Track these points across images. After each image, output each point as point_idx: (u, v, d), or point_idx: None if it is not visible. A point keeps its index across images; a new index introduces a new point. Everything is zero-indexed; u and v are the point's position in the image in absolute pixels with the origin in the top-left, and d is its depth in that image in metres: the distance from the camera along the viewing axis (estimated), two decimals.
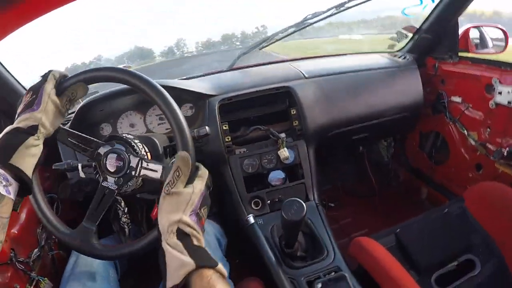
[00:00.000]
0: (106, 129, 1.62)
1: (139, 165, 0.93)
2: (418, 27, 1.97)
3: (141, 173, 0.93)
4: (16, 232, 1.23)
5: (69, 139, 0.97)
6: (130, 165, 0.94)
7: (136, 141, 1.01)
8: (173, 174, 0.76)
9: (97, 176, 0.98)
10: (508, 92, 1.57)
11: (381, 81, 1.86)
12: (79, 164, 1.10)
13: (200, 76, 1.96)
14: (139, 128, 1.65)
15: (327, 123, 1.72)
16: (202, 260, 0.69)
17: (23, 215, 1.31)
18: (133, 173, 0.93)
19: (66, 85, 0.89)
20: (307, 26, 1.77)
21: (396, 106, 1.88)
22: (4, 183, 0.73)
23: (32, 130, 0.81)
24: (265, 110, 1.73)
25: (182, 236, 0.72)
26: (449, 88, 1.95)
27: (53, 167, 1.06)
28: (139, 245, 0.91)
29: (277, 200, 1.58)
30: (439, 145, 2.15)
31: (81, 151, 0.98)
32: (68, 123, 1.50)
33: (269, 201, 1.58)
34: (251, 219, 1.46)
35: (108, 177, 0.95)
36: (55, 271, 1.44)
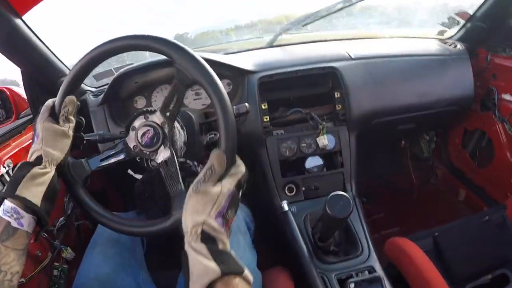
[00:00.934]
0: (140, 102, 1.59)
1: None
2: (472, 13, 1.81)
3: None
4: None
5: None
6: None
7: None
8: (205, 172, 0.73)
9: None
10: None
11: (432, 69, 1.74)
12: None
13: (237, 52, 1.89)
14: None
15: (373, 109, 1.62)
16: (228, 267, 0.65)
17: None
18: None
19: (57, 107, 0.91)
20: (355, 3, 1.67)
21: (446, 98, 1.75)
22: (15, 216, 0.76)
23: (37, 161, 0.84)
24: (307, 91, 1.65)
25: (207, 239, 0.68)
26: (500, 84, 1.79)
27: (84, 138, 1.01)
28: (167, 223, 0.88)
29: (313, 188, 1.51)
30: (483, 146, 2.01)
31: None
32: (101, 94, 1.50)
33: (304, 188, 1.52)
34: (285, 206, 1.40)
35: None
36: (80, 241, 1.44)
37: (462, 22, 1.90)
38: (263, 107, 1.53)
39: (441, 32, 2.03)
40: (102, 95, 1.49)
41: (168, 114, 0.91)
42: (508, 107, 1.75)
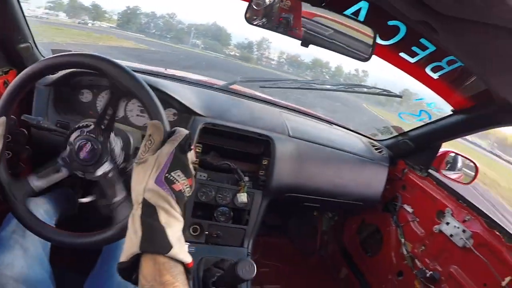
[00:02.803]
0: (86, 96, 1.61)
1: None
2: (405, 130, 2.09)
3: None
4: None
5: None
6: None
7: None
8: (145, 143, 0.75)
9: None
10: (455, 226, 1.69)
11: (352, 167, 1.94)
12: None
13: (195, 83, 1.97)
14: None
15: (290, 185, 1.77)
16: (150, 245, 0.65)
17: None
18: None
19: None
20: (311, 89, 1.83)
21: (355, 194, 1.97)
22: None
23: None
24: (241, 146, 1.75)
25: (147, 208, 0.68)
26: (406, 195, 2.06)
27: (21, 118, 1.04)
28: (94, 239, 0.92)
29: (215, 235, 1.61)
30: (374, 238, 2.27)
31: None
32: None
33: (207, 232, 1.61)
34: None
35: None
36: None
37: (395, 133, 2.16)
38: (197, 150, 1.61)
39: (374, 134, 2.26)
40: (56, 77, 1.49)
41: (103, 126, 0.95)
42: (406, 217, 2.02)
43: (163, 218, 0.68)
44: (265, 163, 1.72)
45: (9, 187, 0.92)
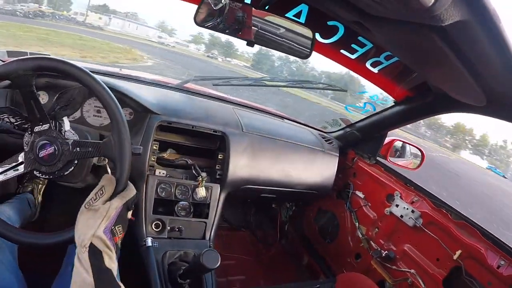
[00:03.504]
0: (43, 98, 1.58)
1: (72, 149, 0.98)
2: (352, 122, 2.23)
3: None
4: None
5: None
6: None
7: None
8: (96, 192, 0.81)
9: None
10: (404, 208, 1.84)
11: (303, 157, 2.06)
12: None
13: (150, 83, 2.00)
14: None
15: (245, 177, 1.85)
16: (103, 285, 0.72)
17: None
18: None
19: None
20: (262, 85, 1.90)
21: (308, 183, 2.09)
22: None
23: None
24: (196, 142, 1.82)
25: (94, 252, 0.74)
26: (357, 182, 2.22)
27: None
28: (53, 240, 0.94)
29: (177, 229, 1.65)
30: (331, 225, 2.40)
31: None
32: None
33: (169, 228, 1.64)
34: (149, 242, 1.52)
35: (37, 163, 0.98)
36: None
37: (343, 125, 2.29)
38: (154, 147, 1.65)
39: (324, 127, 2.38)
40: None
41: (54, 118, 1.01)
42: (358, 202, 2.17)
43: (107, 262, 0.75)
44: (221, 157, 1.79)
45: None
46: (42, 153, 0.97)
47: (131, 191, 0.88)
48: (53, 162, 0.98)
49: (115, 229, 0.80)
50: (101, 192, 0.81)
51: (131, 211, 0.88)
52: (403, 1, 0.74)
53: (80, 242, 0.76)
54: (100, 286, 0.71)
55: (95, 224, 0.76)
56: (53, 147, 0.97)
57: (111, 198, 0.82)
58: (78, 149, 0.99)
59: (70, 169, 1.02)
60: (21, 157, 0.99)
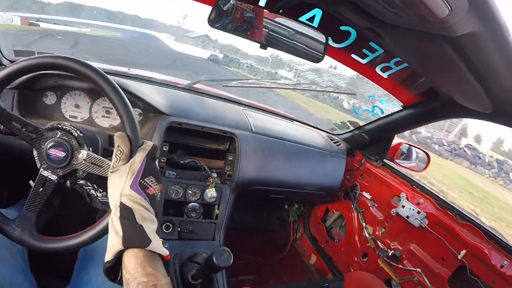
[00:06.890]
0: (50, 98, 1.57)
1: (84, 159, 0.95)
2: (361, 125, 2.25)
3: (86, 168, 0.95)
4: None
5: (13, 123, 0.96)
6: (73, 158, 0.96)
7: (81, 134, 1.02)
8: (115, 154, 0.82)
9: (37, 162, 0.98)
10: (410, 208, 1.87)
11: (312, 159, 2.08)
12: None
13: (159, 83, 1.99)
14: (82, 112, 1.61)
15: (255, 178, 1.86)
16: (131, 241, 0.71)
17: None
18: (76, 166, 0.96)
19: None
20: (272, 87, 1.92)
21: (317, 184, 2.11)
22: None
23: None
24: (206, 144, 1.82)
25: (125, 211, 0.74)
26: (364, 184, 2.24)
27: None
28: (82, 239, 0.92)
29: (187, 231, 1.65)
30: (339, 225, 2.44)
31: (23, 138, 0.98)
32: None
33: (179, 229, 1.64)
34: None
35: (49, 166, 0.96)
36: None
37: (351, 127, 2.33)
38: (164, 148, 1.65)
39: (332, 129, 2.41)
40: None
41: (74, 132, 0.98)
42: (365, 203, 2.19)
43: (139, 218, 0.75)
44: (231, 158, 1.80)
45: None
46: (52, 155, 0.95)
47: (148, 142, 0.88)
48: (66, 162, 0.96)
49: (145, 181, 0.79)
50: (119, 152, 0.82)
51: (157, 159, 0.87)
52: (418, 12, 0.76)
53: (113, 205, 0.77)
54: (128, 244, 0.71)
55: (121, 183, 0.77)
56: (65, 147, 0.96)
57: (131, 154, 0.83)
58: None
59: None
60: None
